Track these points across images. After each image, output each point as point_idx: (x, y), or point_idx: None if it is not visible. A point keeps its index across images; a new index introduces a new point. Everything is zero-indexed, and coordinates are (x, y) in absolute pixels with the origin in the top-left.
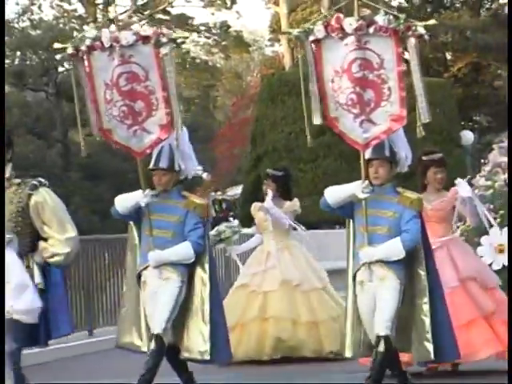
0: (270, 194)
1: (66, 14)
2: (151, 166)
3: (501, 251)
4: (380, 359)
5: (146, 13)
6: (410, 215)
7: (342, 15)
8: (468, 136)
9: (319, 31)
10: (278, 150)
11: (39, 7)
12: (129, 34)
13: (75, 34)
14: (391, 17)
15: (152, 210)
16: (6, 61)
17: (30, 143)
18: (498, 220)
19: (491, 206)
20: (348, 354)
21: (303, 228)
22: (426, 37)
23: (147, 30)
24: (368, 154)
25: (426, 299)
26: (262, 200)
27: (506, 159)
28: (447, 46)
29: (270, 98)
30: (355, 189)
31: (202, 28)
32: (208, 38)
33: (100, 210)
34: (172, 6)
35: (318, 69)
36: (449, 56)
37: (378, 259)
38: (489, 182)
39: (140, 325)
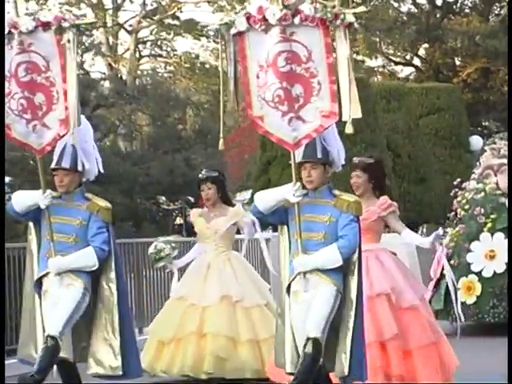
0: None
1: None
2: (52, 165)
3: (491, 257)
4: (308, 361)
5: (155, 18)
6: (347, 220)
7: (264, 5)
8: (477, 141)
9: (241, 23)
10: (287, 155)
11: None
12: (28, 19)
13: (84, 38)
14: (318, 5)
15: (53, 212)
16: None
17: None
18: (489, 225)
19: (482, 210)
20: (289, 369)
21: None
22: (356, 25)
23: (48, 16)
24: (299, 156)
25: (352, 312)
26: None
27: (498, 161)
28: (456, 51)
29: None
30: (286, 193)
31: (212, 33)
32: (217, 42)
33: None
34: (181, 11)
35: (242, 64)
36: (458, 61)
37: (313, 268)
38: (480, 185)
39: (36, 337)
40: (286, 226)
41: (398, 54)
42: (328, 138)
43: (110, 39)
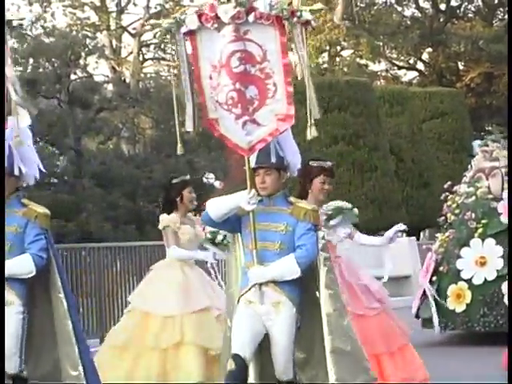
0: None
1: (79, 22)
2: None
3: (482, 264)
4: None
5: (158, 21)
6: (305, 229)
7: (216, 2)
8: None
9: (192, 22)
10: None
11: (52, 15)
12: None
13: (88, 41)
14: (273, 2)
15: None
16: (19, 68)
17: (43, 150)
18: (480, 230)
19: (473, 215)
20: None
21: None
22: (314, 23)
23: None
24: (253, 161)
25: (322, 327)
26: None
27: (490, 164)
28: (460, 55)
29: None
30: (240, 200)
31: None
32: None
33: (112, 217)
34: (185, 13)
35: (195, 65)
36: (461, 66)
37: (269, 279)
38: (471, 189)
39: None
40: (238, 235)
41: (402, 58)
42: (283, 142)
43: (114, 42)
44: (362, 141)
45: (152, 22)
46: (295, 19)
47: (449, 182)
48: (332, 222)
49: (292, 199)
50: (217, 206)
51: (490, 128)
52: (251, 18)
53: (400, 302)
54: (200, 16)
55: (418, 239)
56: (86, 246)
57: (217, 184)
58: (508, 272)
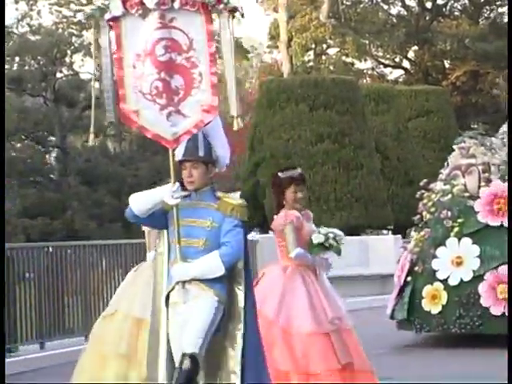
0: None
1: (64, 20)
2: None
3: (458, 264)
4: (184, 378)
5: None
6: (231, 225)
7: None
8: None
9: (116, 8)
10: (276, 157)
11: (38, 13)
12: None
13: (74, 39)
14: None
15: None
16: (5, 66)
17: (29, 148)
18: (456, 229)
19: (449, 214)
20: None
21: None
22: (241, 10)
23: None
24: (180, 154)
25: (240, 325)
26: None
27: (466, 161)
28: (446, 54)
29: (268, 105)
30: (164, 194)
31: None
32: None
33: (98, 215)
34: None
35: (117, 54)
36: (447, 64)
37: (193, 277)
38: (447, 187)
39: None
40: (165, 231)
41: (388, 56)
42: (211, 135)
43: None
44: (347, 139)
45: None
46: (221, 6)
47: (425, 180)
48: (325, 256)
49: (220, 194)
50: (140, 201)
51: (475, 126)
52: (177, 4)
53: (385, 301)
54: (124, 2)
55: (403, 237)
56: (72, 243)
57: None
58: (508, 272)
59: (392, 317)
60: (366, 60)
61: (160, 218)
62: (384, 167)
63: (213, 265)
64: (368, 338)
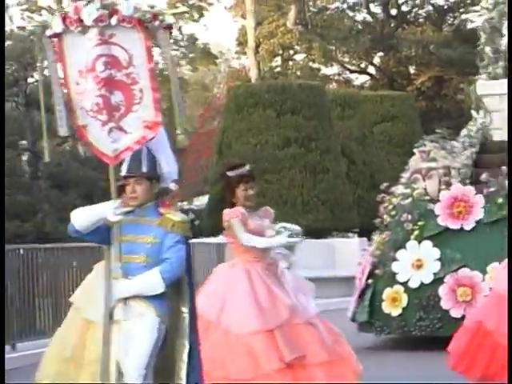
0: None
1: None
2: None
3: (418, 267)
4: None
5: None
6: (172, 241)
7: (81, 4)
8: None
9: (57, 24)
10: (244, 162)
11: (10, 18)
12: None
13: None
14: (138, 4)
15: None
16: None
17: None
18: (417, 232)
19: (409, 217)
20: None
21: None
22: (176, 28)
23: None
24: (124, 169)
25: (186, 341)
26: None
27: (427, 165)
28: (411, 60)
29: (236, 110)
30: (106, 210)
31: (171, 40)
32: (176, 50)
33: (68, 218)
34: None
35: (63, 70)
36: (412, 70)
37: (133, 294)
38: (408, 190)
39: None
40: (110, 247)
41: (354, 62)
42: (156, 150)
43: None
44: (314, 143)
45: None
46: (157, 23)
47: (385, 183)
48: (293, 259)
49: (162, 210)
50: (82, 217)
51: (440, 131)
52: (114, 20)
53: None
54: (64, 19)
55: (369, 240)
56: (43, 246)
57: (172, 186)
58: (508, 272)
59: (353, 319)
60: (332, 66)
61: (103, 234)
62: (350, 171)
63: (153, 281)
64: None
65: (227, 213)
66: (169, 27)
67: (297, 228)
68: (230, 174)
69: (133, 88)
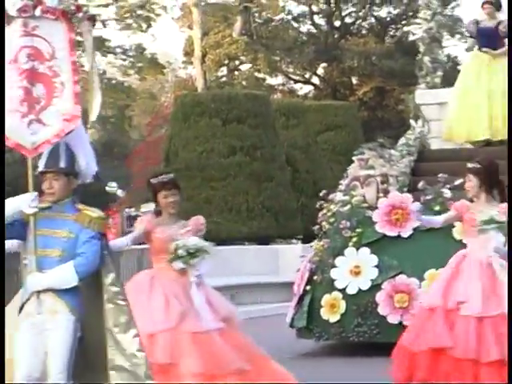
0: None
1: None
2: None
3: (356, 274)
4: None
5: None
6: (87, 236)
7: None
8: None
9: None
10: (190, 169)
11: None
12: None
13: None
14: None
15: None
16: None
17: None
18: (355, 239)
19: (347, 224)
20: None
21: None
22: (99, 18)
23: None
24: (41, 165)
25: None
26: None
27: (365, 172)
28: (353, 70)
29: (183, 118)
30: (21, 203)
31: (119, 50)
32: (124, 59)
33: None
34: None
35: None
36: (355, 80)
37: (47, 287)
38: (346, 197)
39: None
40: (25, 242)
41: (298, 72)
42: (75, 145)
43: None
44: (259, 152)
45: None
46: (81, 14)
47: (324, 191)
48: (192, 262)
49: (80, 206)
50: None
51: (381, 140)
52: (38, 11)
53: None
54: None
55: (311, 246)
56: None
57: (119, 192)
58: (508, 273)
59: (291, 325)
60: (277, 76)
61: (20, 228)
62: (294, 179)
63: (67, 275)
64: (272, 344)
65: (138, 219)
66: (92, 18)
67: (199, 247)
68: (152, 181)
69: (54, 81)
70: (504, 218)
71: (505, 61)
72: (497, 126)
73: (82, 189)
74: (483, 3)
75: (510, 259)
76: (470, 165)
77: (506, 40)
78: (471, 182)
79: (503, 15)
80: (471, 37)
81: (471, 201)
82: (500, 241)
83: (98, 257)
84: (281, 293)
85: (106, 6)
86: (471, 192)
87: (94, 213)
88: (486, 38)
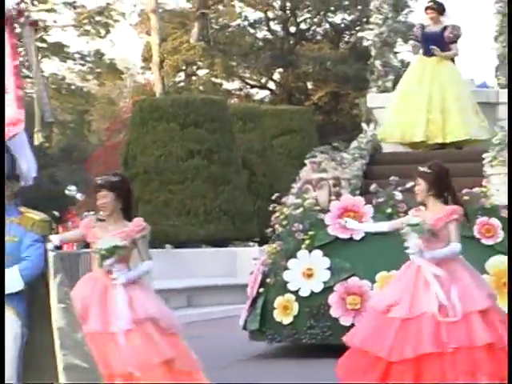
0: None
1: None
2: None
3: (309, 276)
4: None
5: (21, 40)
6: (31, 240)
7: None
8: None
9: None
10: (149, 172)
11: None
12: None
13: None
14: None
15: None
16: None
17: None
18: (307, 242)
19: (300, 227)
20: None
21: None
22: (41, 25)
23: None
24: None
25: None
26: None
27: (317, 175)
28: (308, 75)
29: (141, 123)
30: None
31: (78, 56)
32: (83, 65)
33: None
34: (48, 35)
35: None
36: (310, 85)
37: None
38: (299, 200)
39: None
40: None
41: (254, 77)
42: (16, 149)
43: None
44: (216, 156)
45: None
46: (23, 19)
47: (277, 194)
48: (107, 262)
49: (22, 209)
50: None
51: (336, 144)
52: None
53: None
54: None
55: None
56: None
57: (78, 196)
58: (508, 273)
59: (245, 327)
60: (233, 81)
61: None
62: (250, 183)
63: (12, 279)
64: (227, 345)
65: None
66: (35, 23)
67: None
68: (93, 182)
69: None
70: (418, 220)
71: (450, 65)
72: (433, 129)
73: (37, 193)
74: (426, 8)
75: (510, 259)
76: (420, 168)
77: (453, 45)
78: (420, 186)
79: (448, 20)
80: (417, 41)
81: (422, 204)
82: (415, 243)
83: (43, 260)
84: (239, 294)
85: (49, 11)
86: (420, 196)
87: (37, 216)
88: (432, 43)
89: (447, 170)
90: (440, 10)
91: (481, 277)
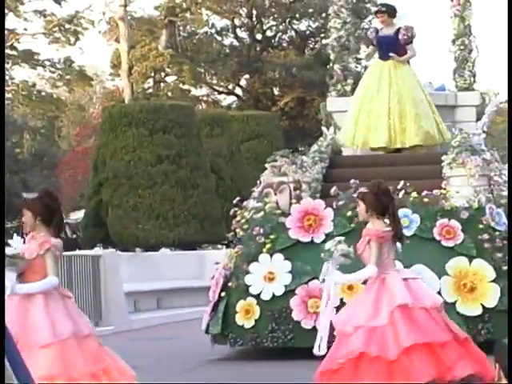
0: None
1: None
2: None
3: (270, 280)
4: None
5: None
6: None
7: None
8: None
9: None
10: (118, 177)
11: None
12: None
13: None
14: None
15: None
16: None
17: None
18: (269, 246)
19: (261, 230)
20: None
21: None
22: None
23: None
24: None
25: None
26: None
27: (278, 179)
28: (275, 81)
29: (110, 129)
30: None
31: (48, 63)
32: (53, 72)
33: None
34: (19, 42)
35: None
36: (276, 91)
37: None
38: (260, 204)
39: None
40: None
41: (221, 83)
42: None
43: None
44: (184, 160)
45: None
46: None
47: (237, 198)
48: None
49: None
50: None
51: (302, 149)
52: None
53: None
54: None
55: None
56: None
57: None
58: (508, 274)
59: (207, 331)
60: (201, 87)
61: None
62: (218, 187)
63: None
64: (189, 347)
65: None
66: None
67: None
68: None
69: None
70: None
71: (407, 69)
72: (393, 135)
73: (9, 198)
74: (375, 12)
75: (510, 259)
76: (361, 189)
77: (409, 46)
78: (360, 207)
79: (400, 22)
80: (372, 44)
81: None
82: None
83: None
84: (208, 296)
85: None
86: (360, 216)
87: None
88: (387, 46)
89: (386, 188)
90: (390, 12)
91: None
